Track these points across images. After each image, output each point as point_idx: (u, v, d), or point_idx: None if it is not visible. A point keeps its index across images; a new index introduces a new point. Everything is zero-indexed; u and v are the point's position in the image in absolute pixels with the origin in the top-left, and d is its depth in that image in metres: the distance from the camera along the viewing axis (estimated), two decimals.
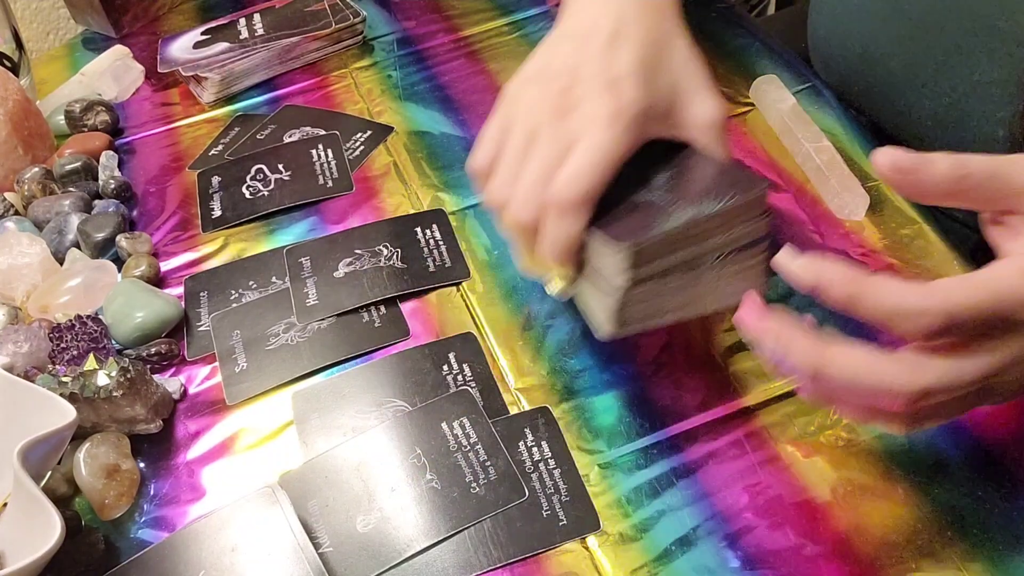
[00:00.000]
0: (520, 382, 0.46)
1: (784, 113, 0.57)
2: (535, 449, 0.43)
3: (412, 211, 0.57)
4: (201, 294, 0.53)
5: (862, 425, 0.42)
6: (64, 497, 0.44)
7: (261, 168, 0.61)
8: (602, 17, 0.43)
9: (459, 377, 0.47)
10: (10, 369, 0.45)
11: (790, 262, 0.34)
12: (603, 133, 0.39)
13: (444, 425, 0.44)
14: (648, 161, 0.41)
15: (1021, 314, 0.32)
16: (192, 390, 0.48)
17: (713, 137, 0.42)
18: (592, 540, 0.40)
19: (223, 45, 0.70)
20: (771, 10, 1.33)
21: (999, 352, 0.33)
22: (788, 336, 0.34)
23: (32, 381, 0.42)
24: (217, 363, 0.49)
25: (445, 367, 0.47)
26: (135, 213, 0.60)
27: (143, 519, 0.43)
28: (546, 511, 0.41)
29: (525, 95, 0.42)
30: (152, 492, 0.44)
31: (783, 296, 0.47)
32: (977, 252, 0.49)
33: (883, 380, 0.33)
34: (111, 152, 0.63)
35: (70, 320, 0.47)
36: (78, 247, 0.55)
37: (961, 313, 0.32)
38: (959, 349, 0.33)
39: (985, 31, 0.50)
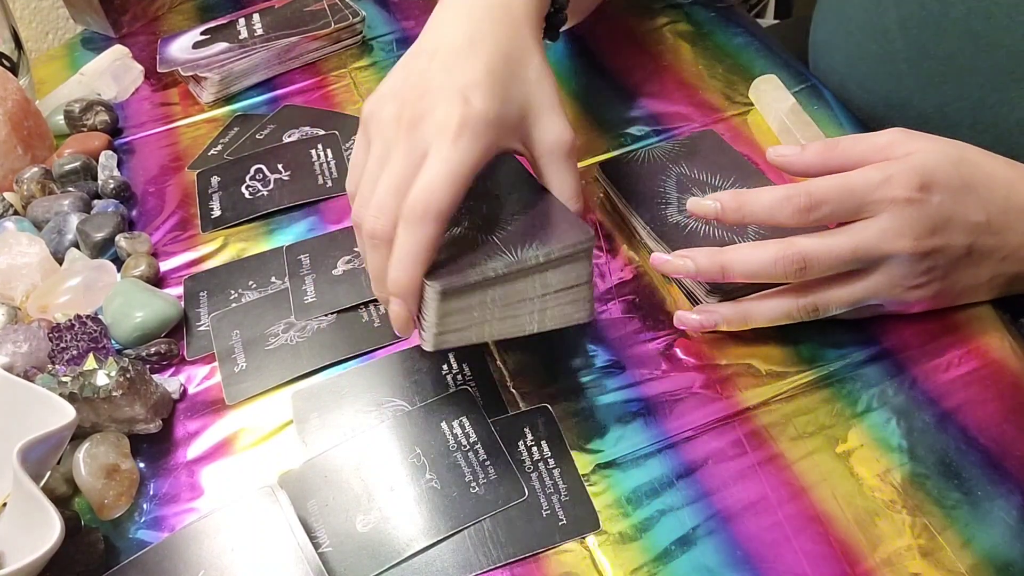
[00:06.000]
0: (520, 381, 0.46)
1: (783, 113, 0.57)
2: (535, 449, 0.43)
3: None
4: (200, 294, 0.53)
5: (773, 321, 0.45)
6: (63, 497, 0.43)
7: (260, 168, 0.61)
8: (456, 32, 0.44)
9: (459, 376, 0.47)
10: (10, 369, 0.45)
11: (696, 204, 0.43)
12: (453, 144, 0.39)
13: (444, 424, 0.44)
14: (499, 181, 0.43)
15: (870, 197, 0.40)
16: (192, 390, 0.48)
17: (558, 160, 0.44)
18: (592, 540, 0.40)
19: (222, 45, 0.71)
20: (770, 11, 1.34)
21: (858, 234, 0.41)
22: (691, 252, 0.44)
23: (32, 381, 0.42)
24: (216, 363, 0.49)
25: (444, 366, 0.47)
26: (134, 213, 0.60)
27: (142, 519, 0.43)
28: (546, 511, 0.41)
29: (380, 113, 0.42)
30: (152, 492, 0.44)
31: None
32: None
33: (768, 252, 0.42)
34: (110, 152, 0.63)
35: (70, 320, 0.47)
36: (77, 247, 0.55)
37: (818, 193, 0.41)
38: (826, 231, 0.42)
39: (1023, 67, 0.49)
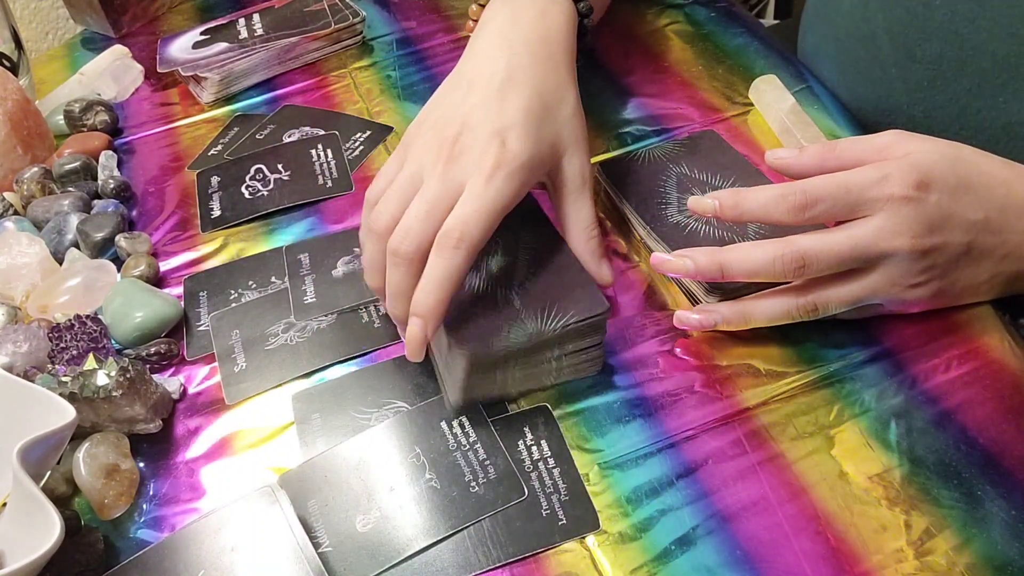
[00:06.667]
0: None
1: (783, 113, 0.57)
2: (534, 448, 0.43)
3: None
4: (200, 294, 0.53)
5: (773, 320, 0.45)
6: (63, 497, 0.44)
7: (260, 168, 0.61)
8: (495, 66, 0.45)
9: None
10: (10, 369, 0.45)
11: (696, 202, 0.44)
12: (488, 182, 0.41)
13: (443, 424, 0.44)
14: (519, 232, 0.45)
15: (867, 195, 0.40)
16: (191, 390, 0.48)
17: (575, 193, 0.46)
18: (591, 539, 0.40)
19: (222, 45, 0.71)
20: (770, 10, 1.34)
21: (856, 233, 0.41)
22: (691, 252, 0.43)
23: (32, 381, 0.42)
24: (216, 363, 0.49)
25: None
26: (134, 213, 0.60)
27: (142, 519, 0.43)
28: (545, 510, 0.41)
29: (419, 139, 0.45)
30: (151, 492, 0.44)
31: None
32: None
33: (767, 251, 0.41)
34: (110, 152, 0.63)
35: (69, 320, 0.47)
36: (77, 247, 0.55)
37: (814, 191, 0.41)
38: (825, 230, 0.42)
39: (1009, 71, 0.49)
